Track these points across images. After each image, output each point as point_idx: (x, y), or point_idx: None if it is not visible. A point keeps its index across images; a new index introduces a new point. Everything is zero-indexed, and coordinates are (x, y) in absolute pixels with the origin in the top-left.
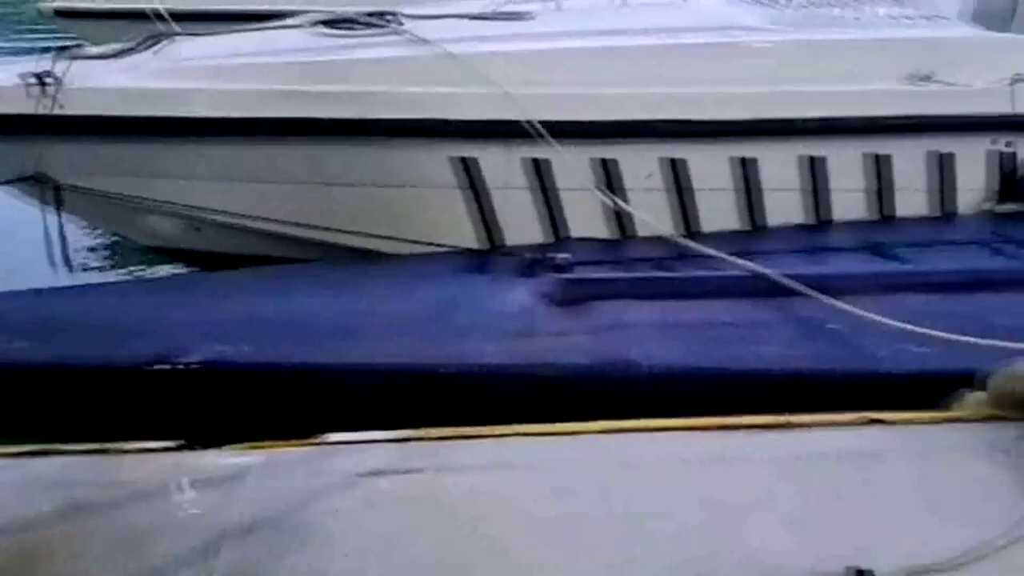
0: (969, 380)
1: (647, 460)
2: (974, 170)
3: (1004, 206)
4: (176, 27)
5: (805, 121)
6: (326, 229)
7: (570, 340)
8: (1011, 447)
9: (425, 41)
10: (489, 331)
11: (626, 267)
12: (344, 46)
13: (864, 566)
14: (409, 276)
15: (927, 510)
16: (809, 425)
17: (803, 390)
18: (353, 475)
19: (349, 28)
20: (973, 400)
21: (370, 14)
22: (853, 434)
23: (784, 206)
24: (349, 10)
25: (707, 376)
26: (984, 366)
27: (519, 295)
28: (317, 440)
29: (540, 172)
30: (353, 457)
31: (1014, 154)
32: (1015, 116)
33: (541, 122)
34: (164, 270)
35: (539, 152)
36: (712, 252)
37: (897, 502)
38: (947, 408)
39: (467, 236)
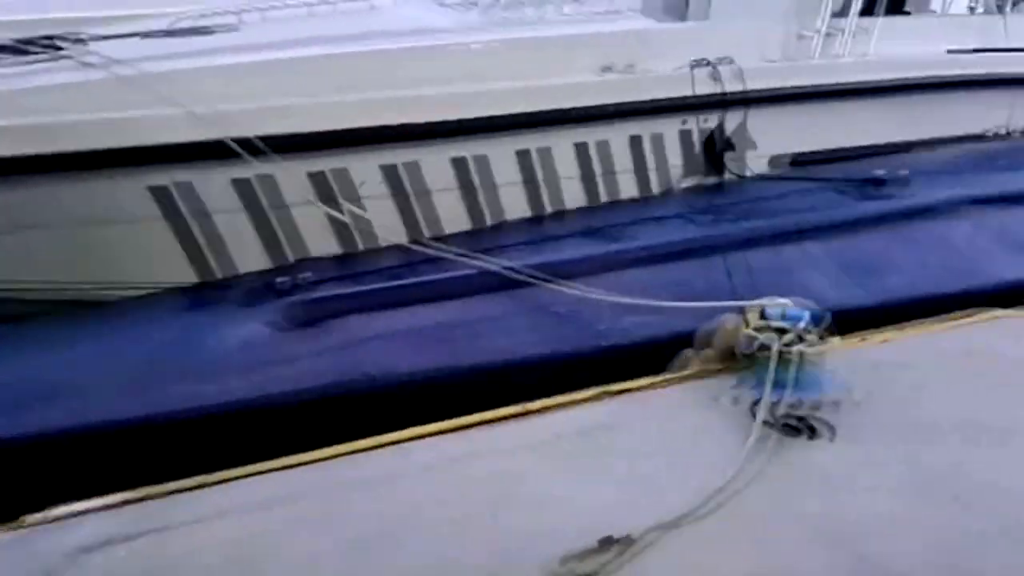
0: (689, 341)
1: (394, 473)
2: (669, 150)
3: (691, 179)
4: None
5: (518, 116)
6: (25, 283)
7: (303, 364)
8: (725, 395)
9: (109, 62)
10: (215, 369)
11: (360, 280)
12: (11, 75)
13: (616, 534)
14: (123, 323)
15: (664, 468)
16: (548, 408)
17: (543, 374)
18: (62, 556)
19: (16, 54)
20: (691, 358)
21: (42, 37)
22: (590, 409)
23: (506, 202)
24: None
25: (447, 377)
26: (698, 325)
27: (245, 326)
28: (18, 523)
29: (251, 192)
30: (64, 535)
31: (697, 131)
32: (696, 97)
33: (247, 139)
34: None
35: (247, 171)
36: (443, 253)
37: (637, 466)
38: (672, 370)
39: (183, 271)
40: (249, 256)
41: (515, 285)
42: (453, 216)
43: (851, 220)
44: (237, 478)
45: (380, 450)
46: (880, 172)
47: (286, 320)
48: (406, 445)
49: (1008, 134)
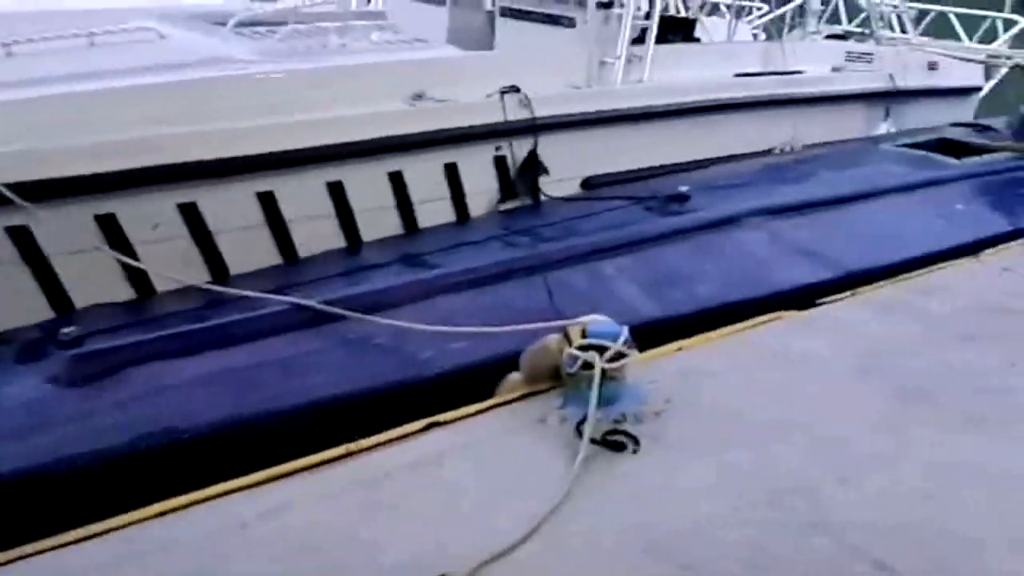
0: (515, 363)
1: (211, 531)
2: (482, 176)
3: (507, 204)
4: None
5: (323, 148)
6: None
7: (95, 422)
8: (553, 415)
9: None
10: None
11: (157, 326)
12: None
13: (448, 571)
14: None
15: (495, 498)
16: (374, 446)
17: (366, 410)
18: None
19: None
20: (514, 381)
21: None
22: (419, 443)
23: (316, 234)
24: None
25: (260, 421)
26: (523, 347)
27: (21, 385)
28: None
29: (28, 239)
30: None
31: (509, 157)
32: (509, 124)
33: (20, 183)
34: None
35: (24, 218)
36: (247, 292)
37: (463, 499)
38: (499, 394)
39: None
40: (28, 306)
41: (330, 320)
42: (261, 252)
43: (658, 235)
44: (25, 556)
45: (194, 508)
46: (683, 188)
47: (72, 374)
48: (222, 500)
49: (793, 149)
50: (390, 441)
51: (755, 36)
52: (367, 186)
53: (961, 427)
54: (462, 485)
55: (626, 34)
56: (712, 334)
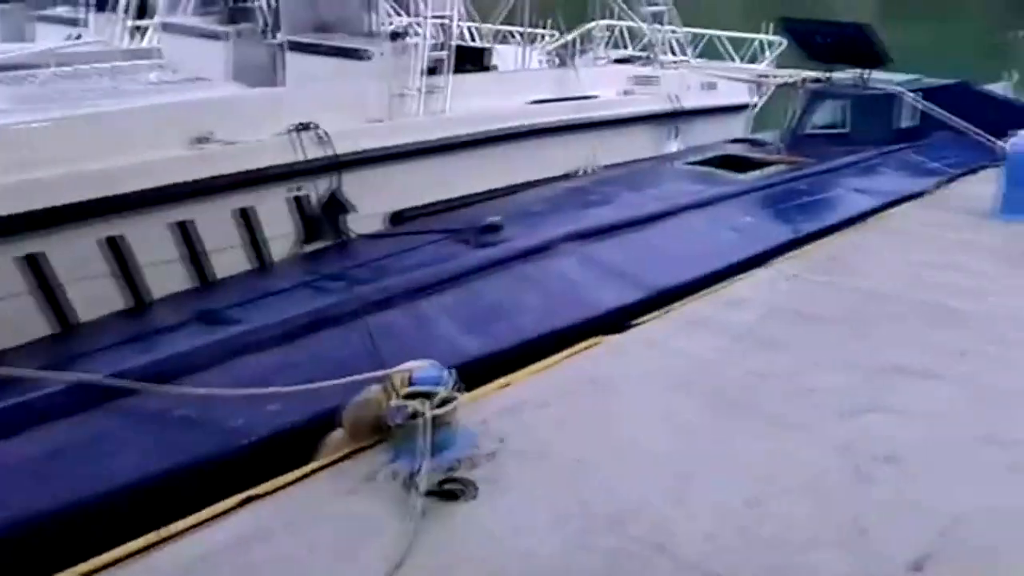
0: (335, 421)
1: None
2: (280, 219)
3: (311, 246)
4: None
5: (97, 202)
6: None
7: None
8: (382, 471)
9: None
10: None
11: None
12: None
13: None
14: None
15: (326, 571)
16: (185, 530)
17: (174, 492)
18: None
19: None
20: (337, 440)
21: None
22: (233, 521)
23: (94, 296)
24: None
25: (51, 518)
26: (342, 403)
27: None
28: None
29: None
30: None
31: (310, 197)
32: (304, 163)
33: None
34: None
35: None
36: (17, 371)
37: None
38: (322, 456)
39: None
40: None
41: (121, 394)
42: (30, 322)
43: (475, 267)
44: None
45: None
46: (495, 219)
47: None
48: None
49: (593, 171)
50: (204, 522)
51: (547, 62)
52: (151, 239)
53: (777, 431)
54: (293, 560)
55: (422, 65)
56: (536, 366)
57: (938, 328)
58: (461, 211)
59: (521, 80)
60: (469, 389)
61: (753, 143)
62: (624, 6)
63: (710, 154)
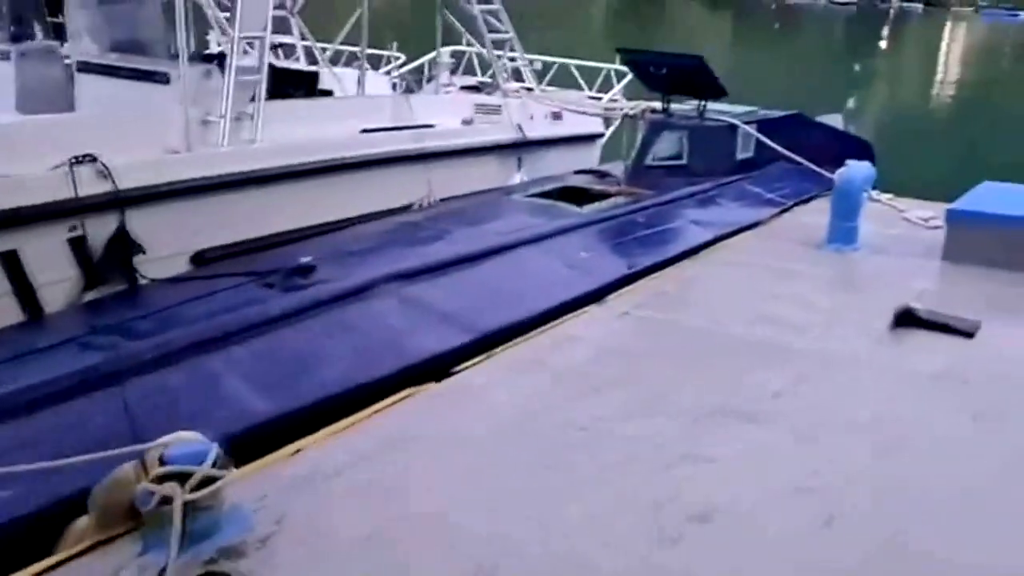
0: (83, 506)
1: None
2: (55, 263)
3: (92, 293)
4: None
5: None
6: None
7: None
8: (130, 566)
9: None
10: None
11: None
12: None
13: None
14: None
15: None
16: None
17: None
18: None
19: None
20: (81, 529)
21: None
22: None
23: None
24: None
25: None
26: (93, 484)
27: None
28: None
29: None
30: None
31: (90, 238)
32: (83, 199)
33: None
34: None
35: None
36: None
37: None
38: (64, 547)
39: None
40: None
41: None
42: None
43: (278, 315)
44: None
45: None
46: (307, 259)
47: None
48: None
49: (430, 204)
50: None
51: (395, 86)
52: None
53: (591, 491)
54: None
55: (229, 90)
56: (336, 426)
57: (761, 366)
58: (273, 251)
59: (353, 107)
60: (257, 457)
61: (597, 174)
62: (469, 32)
63: (551, 186)
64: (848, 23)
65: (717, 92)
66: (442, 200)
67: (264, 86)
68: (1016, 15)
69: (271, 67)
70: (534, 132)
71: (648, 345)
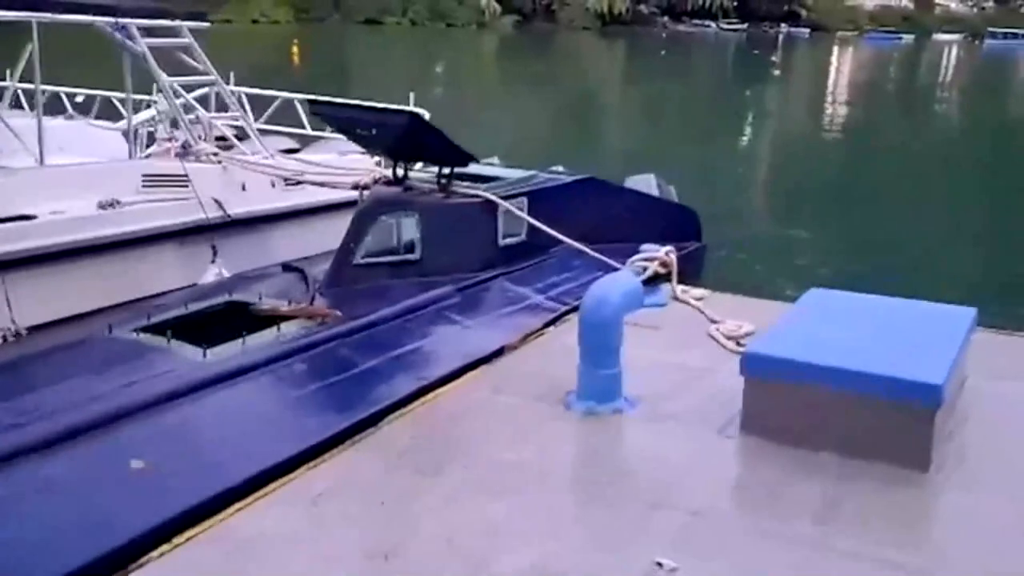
0: None
1: None
2: None
3: None
4: None
5: None
6: None
7: None
8: None
9: None
10: None
11: None
12: None
13: None
14: None
15: None
16: None
17: None
18: None
19: None
20: None
21: None
22: None
23: None
24: None
25: None
26: None
27: None
28: None
29: None
30: None
31: None
32: None
33: None
34: None
35: None
36: None
37: None
38: None
39: None
40: None
41: None
42: None
43: None
44: None
45: None
46: None
47: None
48: None
49: (18, 335)
50: None
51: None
52: None
53: None
54: None
55: None
56: None
57: None
58: None
59: None
60: None
61: (300, 273)
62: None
63: (207, 303)
64: (737, 49)
65: (459, 157)
66: (28, 331)
67: None
68: (899, 38)
69: None
70: (245, 207)
71: None
